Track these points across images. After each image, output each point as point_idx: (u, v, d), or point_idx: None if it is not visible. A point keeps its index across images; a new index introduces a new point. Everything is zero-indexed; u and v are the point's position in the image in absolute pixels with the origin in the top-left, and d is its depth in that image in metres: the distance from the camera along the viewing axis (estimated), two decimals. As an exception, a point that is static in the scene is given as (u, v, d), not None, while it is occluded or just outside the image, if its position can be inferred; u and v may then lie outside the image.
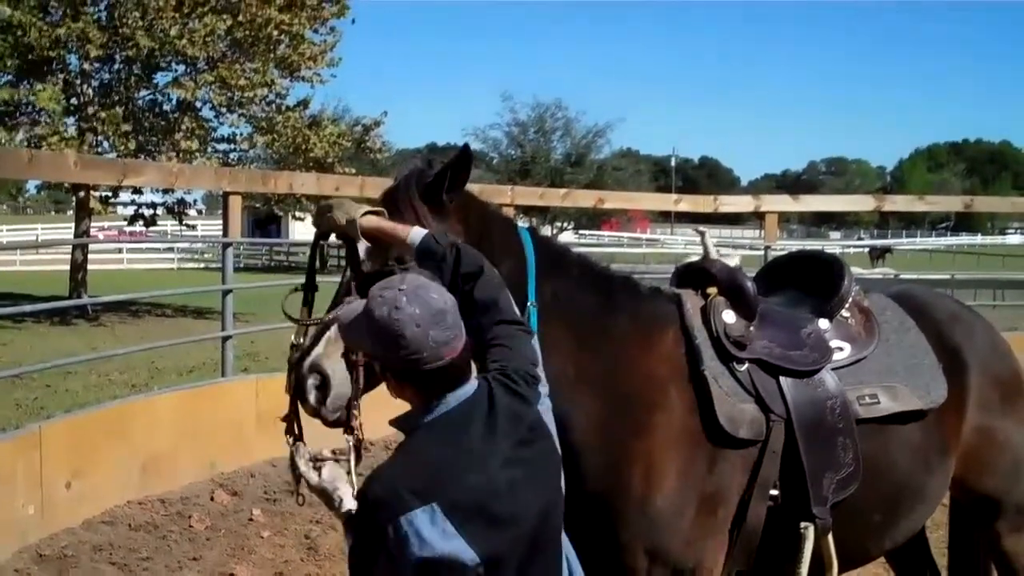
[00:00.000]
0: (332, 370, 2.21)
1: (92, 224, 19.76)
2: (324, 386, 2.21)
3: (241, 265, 30.99)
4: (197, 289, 16.01)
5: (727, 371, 2.70)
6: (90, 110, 16.80)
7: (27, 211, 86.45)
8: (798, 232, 70.14)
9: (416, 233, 2.30)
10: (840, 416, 2.77)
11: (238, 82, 16.61)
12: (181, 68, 17.41)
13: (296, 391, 2.24)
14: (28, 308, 8.25)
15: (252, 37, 16.64)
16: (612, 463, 2.56)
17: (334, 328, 2.19)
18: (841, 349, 2.89)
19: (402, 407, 2.03)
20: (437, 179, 2.47)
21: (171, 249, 36.31)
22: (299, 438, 2.25)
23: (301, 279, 2.54)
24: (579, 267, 2.73)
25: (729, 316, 2.76)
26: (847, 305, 2.96)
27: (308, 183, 10.16)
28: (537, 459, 2.00)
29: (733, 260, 4.18)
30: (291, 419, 2.28)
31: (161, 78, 17.69)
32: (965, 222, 68.58)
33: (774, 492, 2.69)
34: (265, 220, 42.33)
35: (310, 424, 2.28)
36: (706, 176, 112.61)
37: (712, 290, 2.83)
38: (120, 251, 34.49)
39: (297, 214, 23.70)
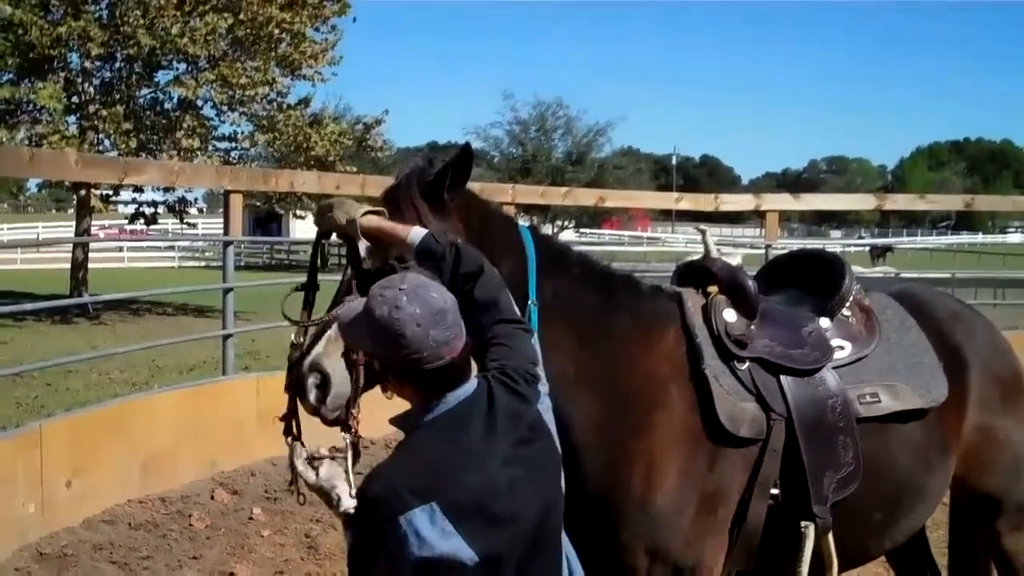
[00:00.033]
0: (332, 369, 2.21)
1: (93, 222, 19.81)
2: (324, 385, 2.21)
3: (242, 263, 31.06)
4: (198, 287, 15.98)
5: (728, 370, 2.70)
6: (91, 108, 16.81)
7: (28, 209, 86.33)
8: (799, 231, 70.04)
9: (416, 233, 2.30)
10: (841, 415, 2.76)
11: (239, 80, 16.62)
12: (182, 66, 17.43)
13: (296, 390, 2.24)
14: (29, 306, 8.27)
15: (253, 35, 16.65)
16: (612, 462, 2.56)
17: (334, 327, 2.19)
18: (842, 348, 2.89)
19: (402, 405, 2.04)
20: (438, 178, 2.47)
21: (172, 247, 36.29)
22: (297, 437, 2.25)
23: (302, 277, 2.54)
24: (580, 266, 2.73)
25: (730, 315, 2.76)
26: (848, 304, 2.96)
27: (309, 181, 10.17)
28: (537, 458, 2.00)
29: (734, 259, 4.18)
30: (289, 418, 2.28)
31: (162, 76, 17.76)
32: (966, 221, 68.61)
33: (774, 491, 2.69)
34: (266, 218, 42.30)
35: (310, 423, 2.28)
36: (707, 175, 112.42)
37: (713, 289, 2.83)
38: (121, 249, 34.40)
39: (298, 212, 23.79)
